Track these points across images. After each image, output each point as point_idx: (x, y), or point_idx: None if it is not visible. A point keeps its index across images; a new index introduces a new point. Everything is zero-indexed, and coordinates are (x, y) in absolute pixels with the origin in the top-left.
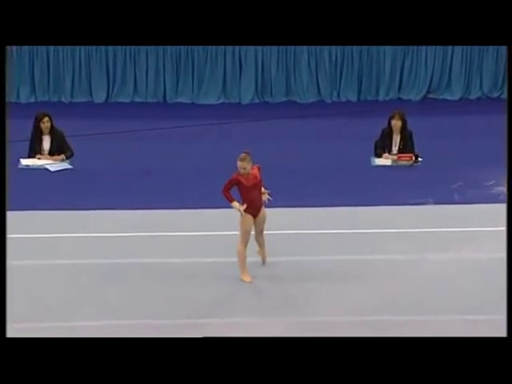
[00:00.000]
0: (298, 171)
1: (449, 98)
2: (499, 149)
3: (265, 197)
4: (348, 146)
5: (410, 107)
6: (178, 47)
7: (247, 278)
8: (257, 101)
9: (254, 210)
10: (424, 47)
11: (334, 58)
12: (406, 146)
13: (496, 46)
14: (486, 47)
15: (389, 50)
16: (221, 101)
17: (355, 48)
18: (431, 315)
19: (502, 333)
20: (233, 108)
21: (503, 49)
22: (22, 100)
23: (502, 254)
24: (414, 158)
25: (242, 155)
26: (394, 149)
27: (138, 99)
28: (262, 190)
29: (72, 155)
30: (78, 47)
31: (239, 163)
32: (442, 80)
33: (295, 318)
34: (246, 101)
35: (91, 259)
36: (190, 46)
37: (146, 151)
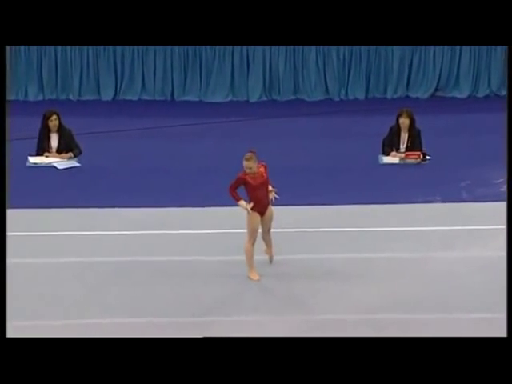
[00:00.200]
0: (305, 169)
1: (457, 95)
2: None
3: (272, 195)
4: (356, 143)
5: (418, 105)
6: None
7: (255, 276)
8: (265, 99)
9: (261, 208)
10: None
11: (341, 56)
12: (414, 144)
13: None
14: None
15: (397, 48)
16: (228, 99)
17: (363, 46)
18: (438, 314)
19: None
20: (240, 106)
21: None
22: (30, 98)
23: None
24: (421, 156)
25: (248, 155)
26: (402, 147)
27: (145, 97)
28: (269, 188)
29: (80, 153)
30: None
31: (245, 163)
32: (450, 78)
33: (302, 316)
34: (253, 99)
35: (97, 257)
36: None
37: (154, 149)
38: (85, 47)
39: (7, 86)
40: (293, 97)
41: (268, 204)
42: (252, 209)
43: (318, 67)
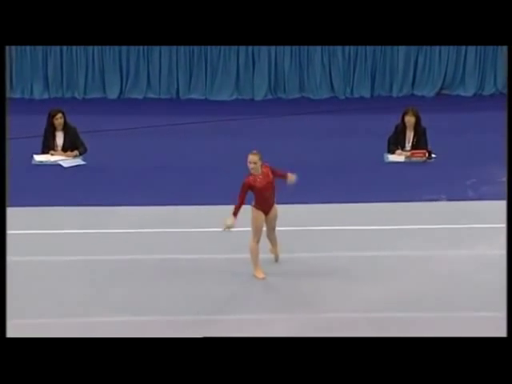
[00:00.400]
0: (310, 167)
1: (462, 94)
2: None
3: (291, 178)
4: (361, 142)
5: (424, 103)
6: None
7: (260, 275)
8: (270, 97)
9: (266, 207)
10: None
11: (347, 54)
12: (420, 143)
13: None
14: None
15: (402, 46)
16: (234, 97)
17: None
18: (444, 313)
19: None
20: (246, 104)
21: None
22: (36, 96)
23: None
24: (427, 155)
25: (254, 151)
26: (408, 145)
27: (151, 95)
28: (289, 174)
29: (85, 151)
30: None
31: (250, 157)
32: (456, 76)
33: (307, 314)
34: (259, 97)
35: (102, 255)
36: None
37: (159, 147)
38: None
39: (10, 85)
40: (298, 95)
41: (273, 203)
42: (257, 208)
43: (323, 65)
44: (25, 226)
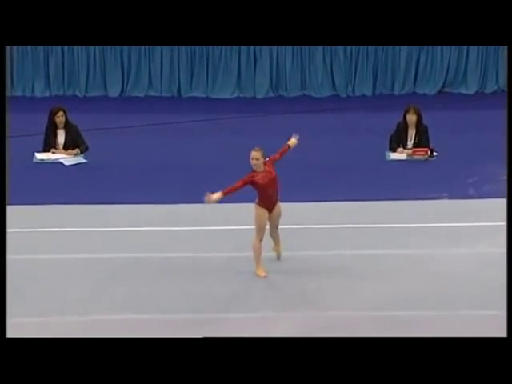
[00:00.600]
0: (312, 165)
1: (464, 92)
2: None
3: (293, 142)
4: (363, 140)
5: (426, 101)
6: None
7: (262, 273)
8: (272, 95)
9: (269, 205)
10: None
11: (348, 53)
12: (421, 141)
13: None
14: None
15: None
16: (235, 95)
17: None
18: (446, 311)
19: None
20: (247, 102)
21: None
22: (37, 94)
23: None
24: (429, 153)
25: (256, 147)
26: (409, 143)
27: (152, 93)
28: (288, 143)
29: (86, 149)
30: None
31: (252, 153)
32: (458, 74)
33: (309, 313)
34: (260, 95)
35: (104, 254)
36: None
37: (160, 145)
38: None
39: (11, 82)
40: (300, 93)
41: (277, 201)
42: (260, 205)
43: (325, 63)
44: (26, 224)
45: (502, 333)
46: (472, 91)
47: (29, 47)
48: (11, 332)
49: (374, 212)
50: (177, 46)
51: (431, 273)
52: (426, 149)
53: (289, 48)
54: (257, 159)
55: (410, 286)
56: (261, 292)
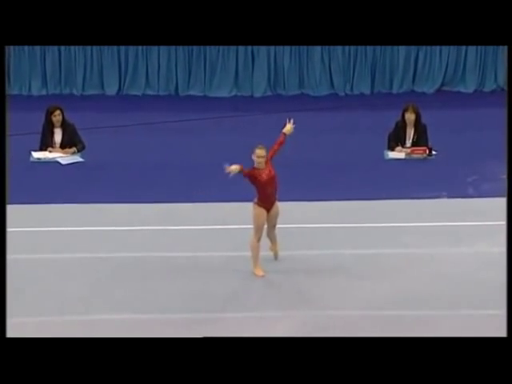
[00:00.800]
0: (310, 164)
1: (463, 90)
2: None
3: (288, 128)
4: (361, 139)
5: (424, 100)
6: None
7: (259, 272)
8: (269, 93)
9: (268, 204)
10: None
11: (346, 51)
12: (420, 139)
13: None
14: None
15: None
16: (233, 93)
17: None
18: (446, 311)
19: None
20: (245, 101)
21: None
22: (34, 92)
23: None
24: (427, 152)
25: (260, 146)
26: (408, 142)
27: (149, 92)
28: (284, 131)
29: (83, 148)
30: None
31: (257, 151)
32: (457, 72)
33: (308, 312)
34: (258, 94)
35: (101, 253)
36: None
37: (158, 144)
38: None
39: (8, 81)
40: (298, 92)
41: (275, 200)
42: (259, 205)
43: (323, 62)
44: (22, 223)
45: (502, 333)
46: (471, 90)
47: (25, 46)
48: (11, 332)
49: (373, 211)
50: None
51: (431, 272)
52: (425, 148)
53: (287, 46)
54: (262, 157)
55: (409, 286)
56: (259, 291)
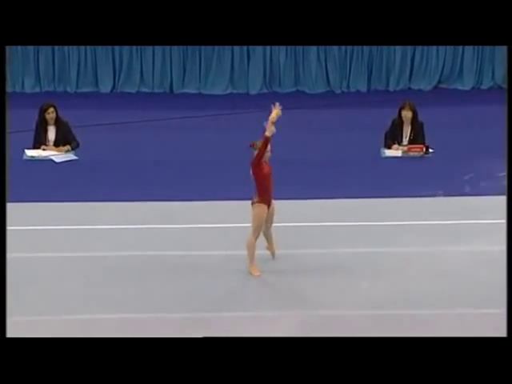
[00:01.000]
0: (306, 162)
1: (460, 88)
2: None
3: (273, 116)
4: (357, 136)
5: (421, 97)
6: None
7: (256, 272)
8: (265, 91)
9: (268, 198)
10: None
11: (343, 48)
12: (417, 137)
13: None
14: None
15: None
16: (228, 91)
17: None
18: (443, 310)
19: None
20: (241, 98)
21: None
22: (27, 90)
23: None
24: (424, 149)
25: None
26: (405, 140)
27: (144, 89)
28: (269, 122)
29: (77, 146)
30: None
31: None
32: (454, 70)
33: (306, 312)
34: (254, 91)
35: (96, 252)
36: None
37: (153, 142)
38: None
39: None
40: (294, 89)
41: (272, 197)
42: (260, 202)
43: (319, 59)
44: (16, 222)
45: (502, 333)
46: (468, 87)
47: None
48: (10, 332)
49: (370, 209)
50: None
51: (429, 271)
52: (422, 145)
53: None
54: (270, 151)
55: (407, 285)
56: (256, 291)
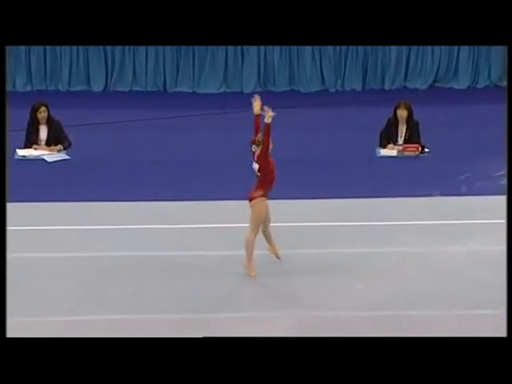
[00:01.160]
0: (301, 162)
1: (456, 86)
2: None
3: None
4: (352, 136)
5: (417, 96)
6: None
7: (252, 272)
8: (259, 90)
9: (269, 190)
10: None
11: (338, 46)
12: (412, 137)
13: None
14: None
15: None
16: (222, 90)
17: None
18: (441, 310)
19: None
20: (235, 97)
21: None
22: (19, 89)
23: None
24: (420, 149)
25: None
26: (400, 139)
27: (137, 88)
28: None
29: (69, 145)
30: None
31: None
32: (449, 68)
33: (302, 312)
34: (248, 90)
35: (90, 252)
36: None
37: (146, 141)
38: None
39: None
40: (288, 88)
41: None
42: (262, 195)
43: (313, 58)
44: (10, 221)
45: (501, 333)
46: (464, 86)
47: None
48: (10, 332)
49: (366, 209)
50: None
51: (426, 271)
52: (417, 145)
53: None
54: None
55: (404, 285)
56: (253, 291)
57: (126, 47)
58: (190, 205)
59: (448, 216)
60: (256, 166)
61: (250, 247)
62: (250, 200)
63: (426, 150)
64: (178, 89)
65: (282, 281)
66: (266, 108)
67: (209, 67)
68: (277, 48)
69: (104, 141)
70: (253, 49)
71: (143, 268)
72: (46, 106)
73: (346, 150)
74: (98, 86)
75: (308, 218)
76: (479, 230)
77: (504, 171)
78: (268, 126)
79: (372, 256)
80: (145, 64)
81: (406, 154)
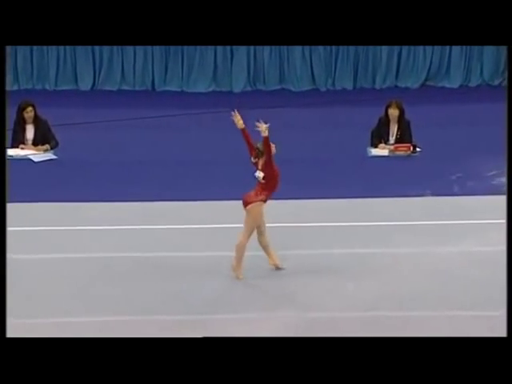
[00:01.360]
0: (291, 161)
1: (448, 85)
2: (500, 138)
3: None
4: (343, 135)
5: (408, 95)
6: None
7: (240, 275)
8: (249, 89)
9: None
10: None
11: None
12: (404, 136)
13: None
14: None
15: None
16: (211, 89)
17: None
18: (435, 311)
19: (503, 329)
20: (224, 96)
21: None
22: (5, 87)
23: (504, 247)
24: (411, 148)
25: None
26: (391, 139)
27: (125, 87)
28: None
29: (56, 145)
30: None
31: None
32: (441, 67)
33: (295, 313)
34: (237, 89)
35: (81, 253)
36: None
37: (134, 141)
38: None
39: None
40: (278, 87)
41: None
42: (262, 200)
43: (303, 56)
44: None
45: (498, 333)
46: (456, 85)
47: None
48: (10, 332)
49: (358, 209)
50: None
51: (418, 272)
52: (409, 144)
53: None
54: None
55: (396, 285)
56: (248, 292)
57: (114, 46)
58: (180, 205)
59: (441, 216)
60: (261, 175)
61: (240, 251)
62: (248, 204)
63: (418, 149)
64: (167, 88)
65: (275, 282)
66: (257, 124)
67: (198, 66)
68: (267, 47)
69: (92, 140)
70: (242, 47)
71: (135, 269)
72: (33, 106)
73: (336, 150)
74: (85, 85)
75: (298, 219)
76: (472, 230)
77: (496, 171)
78: (266, 138)
79: (365, 256)
80: (133, 63)
81: (398, 153)
